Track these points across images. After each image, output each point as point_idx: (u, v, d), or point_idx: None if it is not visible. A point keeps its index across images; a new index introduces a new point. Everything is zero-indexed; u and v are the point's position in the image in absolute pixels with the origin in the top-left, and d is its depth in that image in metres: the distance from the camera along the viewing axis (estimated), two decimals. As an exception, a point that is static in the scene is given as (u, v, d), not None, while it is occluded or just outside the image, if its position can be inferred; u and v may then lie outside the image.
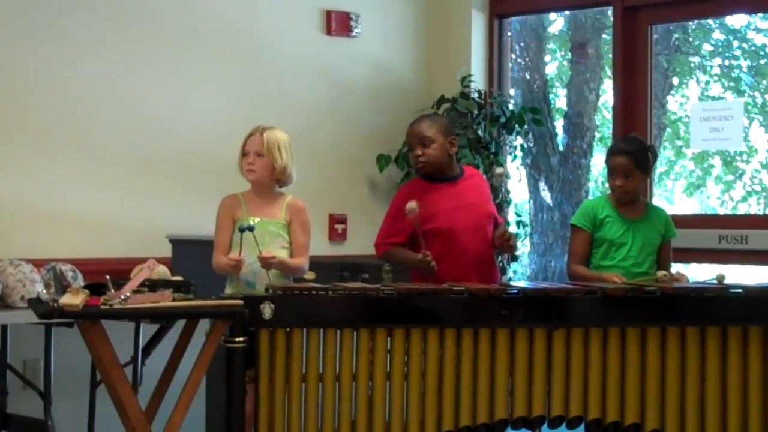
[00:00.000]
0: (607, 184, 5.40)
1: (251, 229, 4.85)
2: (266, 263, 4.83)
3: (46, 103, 6.07)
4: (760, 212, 7.45)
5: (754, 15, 7.22)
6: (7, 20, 5.92)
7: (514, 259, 7.22)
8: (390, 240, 5.23)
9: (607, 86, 8.07)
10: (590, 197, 7.39)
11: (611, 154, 5.33)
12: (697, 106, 7.46)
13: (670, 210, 7.34)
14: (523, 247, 7.73)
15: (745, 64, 7.57)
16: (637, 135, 5.61)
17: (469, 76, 7.35)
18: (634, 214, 5.34)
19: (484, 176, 5.88)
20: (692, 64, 7.91)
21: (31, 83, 6.01)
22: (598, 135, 8.41)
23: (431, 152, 5.18)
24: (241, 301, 4.31)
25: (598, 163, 8.16)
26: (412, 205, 4.98)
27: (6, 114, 5.94)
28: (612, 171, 5.29)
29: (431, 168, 5.21)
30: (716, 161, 7.77)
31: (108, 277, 4.16)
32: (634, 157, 5.29)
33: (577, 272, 5.24)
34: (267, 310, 4.33)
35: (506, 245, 5.23)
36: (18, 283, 5.31)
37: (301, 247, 5.04)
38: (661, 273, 5.02)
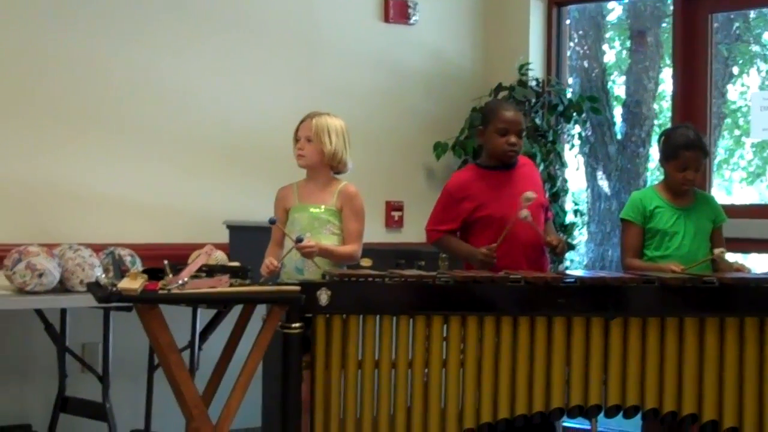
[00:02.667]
0: (665, 174, 5.34)
1: (272, 222, 4.86)
2: (305, 253, 4.82)
3: (107, 90, 6.11)
4: (821, 202, 7.38)
5: (815, 3, 7.14)
6: (70, 7, 5.98)
7: (571, 248, 7.19)
8: (443, 227, 5.22)
9: (666, 75, 8.02)
10: (648, 186, 7.35)
11: (683, 147, 5.22)
12: (757, 95, 7.38)
13: (729, 200, 7.31)
14: (581, 236, 7.70)
15: (805, 52, 7.50)
16: (691, 125, 5.56)
17: (527, 64, 7.32)
18: (683, 202, 5.29)
19: (538, 166, 5.86)
20: (753, 53, 7.83)
21: (90, 69, 6.05)
22: (656, 123, 8.35)
23: (521, 143, 5.19)
24: (298, 287, 4.32)
25: (656, 152, 8.10)
26: (525, 213, 4.97)
27: (67, 102, 5.99)
28: (685, 165, 5.19)
29: (515, 159, 5.21)
30: (776, 151, 7.70)
31: (166, 262, 4.18)
32: (705, 150, 5.28)
33: (633, 266, 5.18)
34: (324, 296, 4.34)
35: (553, 252, 5.21)
36: (77, 267, 5.35)
37: (352, 233, 5.00)
38: (718, 250, 4.99)
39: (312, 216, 4.97)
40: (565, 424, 6.57)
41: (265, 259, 4.88)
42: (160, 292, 4.11)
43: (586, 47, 8.52)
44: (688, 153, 5.20)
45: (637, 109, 8.39)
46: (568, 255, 7.06)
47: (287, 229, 4.93)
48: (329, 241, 4.92)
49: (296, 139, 5.03)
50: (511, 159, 5.20)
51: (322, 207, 4.98)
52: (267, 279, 4.73)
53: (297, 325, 4.30)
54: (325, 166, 5.02)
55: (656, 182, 5.53)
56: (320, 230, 4.96)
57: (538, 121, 7.13)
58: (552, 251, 5.20)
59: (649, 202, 5.29)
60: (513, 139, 5.14)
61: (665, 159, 5.30)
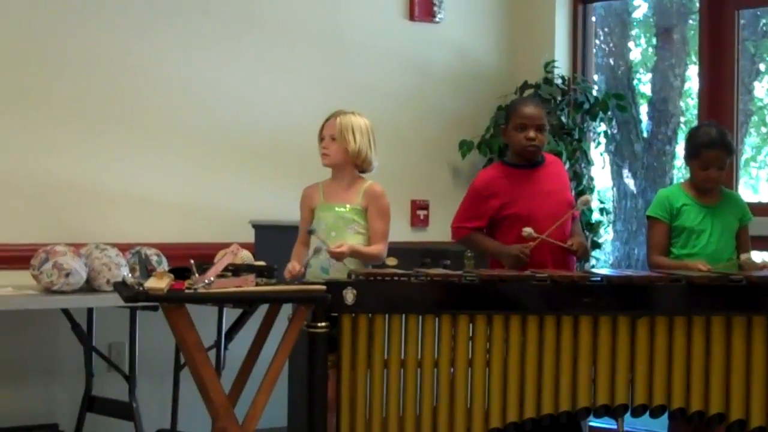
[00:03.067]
0: (690, 173, 5.32)
1: (311, 232, 4.87)
2: (337, 257, 4.82)
3: (133, 89, 6.13)
4: None
5: (843, -1, 7.09)
6: (92, 3, 6.00)
7: (597, 246, 7.17)
8: (470, 224, 5.22)
9: (692, 72, 7.97)
10: (674, 184, 7.32)
11: (707, 146, 5.20)
12: (784, 92, 7.35)
13: (755, 198, 7.26)
14: (606, 235, 7.68)
15: (833, 49, 7.45)
16: (716, 123, 5.53)
17: (553, 61, 7.31)
18: (710, 201, 5.27)
19: (564, 164, 5.84)
20: (780, 50, 7.79)
21: (117, 69, 6.07)
22: (682, 121, 8.31)
23: (542, 138, 5.18)
24: (323, 287, 4.33)
25: (682, 149, 8.06)
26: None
27: (93, 102, 6.01)
28: (708, 163, 5.19)
29: (538, 154, 5.21)
30: (803, 148, 7.66)
31: (192, 261, 4.19)
32: (729, 148, 5.26)
33: (660, 263, 5.17)
34: (349, 295, 4.35)
35: (574, 254, 5.21)
36: (104, 267, 5.37)
37: (378, 233, 4.98)
38: (744, 256, 4.97)
39: (337, 215, 4.96)
40: (592, 423, 6.56)
41: (289, 262, 4.88)
42: (187, 291, 4.12)
43: (611, 44, 8.49)
44: (711, 152, 5.19)
45: (663, 106, 8.35)
46: (594, 253, 7.04)
47: (313, 229, 4.93)
48: (354, 240, 4.91)
49: (321, 138, 5.02)
50: (532, 154, 5.19)
51: (348, 206, 4.97)
52: (291, 281, 4.73)
53: (323, 324, 4.30)
54: (350, 165, 5.01)
55: (683, 180, 5.51)
56: (345, 229, 4.95)
57: (563, 119, 7.11)
58: (572, 254, 5.19)
59: (676, 200, 5.28)
60: (531, 133, 5.14)
61: (689, 157, 5.29)
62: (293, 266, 4.81)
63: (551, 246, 5.10)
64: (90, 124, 5.99)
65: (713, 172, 5.20)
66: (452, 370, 4.42)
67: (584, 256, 5.40)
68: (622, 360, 4.48)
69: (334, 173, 5.06)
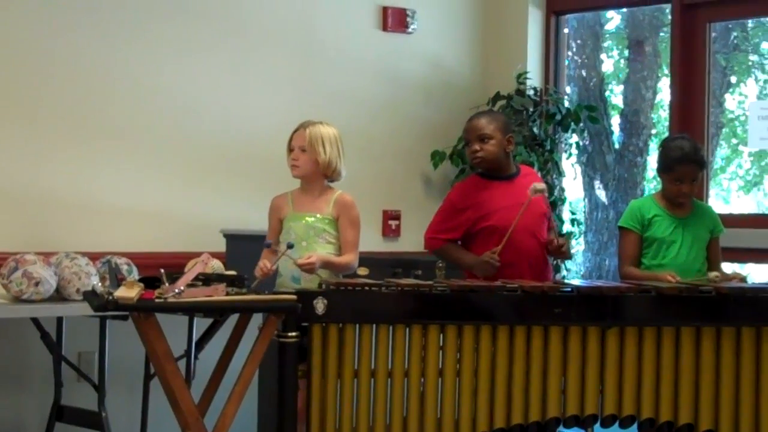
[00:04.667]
0: (662, 185, 5.34)
1: (267, 246, 4.90)
2: (307, 269, 4.81)
3: (103, 99, 6.11)
4: (818, 212, 7.37)
5: (813, 13, 7.14)
6: (60, 13, 5.97)
7: (568, 257, 7.18)
8: (444, 235, 5.22)
9: (664, 84, 8.00)
10: (646, 195, 7.35)
11: (681, 161, 5.20)
12: (755, 104, 7.38)
13: (726, 209, 7.29)
14: (578, 246, 7.70)
15: (805, 62, 7.49)
16: (688, 135, 5.55)
17: (525, 73, 7.33)
18: (682, 212, 5.30)
19: (539, 174, 5.84)
20: (751, 63, 7.83)
21: (87, 78, 6.05)
22: (654, 133, 8.34)
23: (489, 148, 5.16)
24: (294, 296, 4.32)
25: (653, 161, 8.09)
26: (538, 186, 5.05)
27: (63, 110, 5.99)
28: (681, 178, 5.20)
29: (487, 164, 5.19)
30: (774, 160, 7.70)
31: (162, 270, 4.18)
32: (702, 163, 5.28)
33: (630, 274, 5.19)
34: (320, 305, 4.34)
35: (560, 252, 5.22)
36: (74, 276, 5.35)
37: (349, 243, 5.00)
38: (713, 274, 4.99)
39: (307, 225, 4.97)
40: (562, 433, 6.56)
41: (260, 260, 4.88)
42: (157, 300, 4.11)
43: (584, 56, 8.51)
44: (683, 167, 5.21)
45: (634, 118, 8.38)
46: (566, 264, 7.05)
47: (284, 239, 4.93)
48: (325, 250, 4.92)
49: (290, 149, 5.03)
50: (478, 166, 5.22)
51: (318, 216, 4.98)
52: (260, 282, 4.72)
53: (293, 334, 4.30)
54: (320, 175, 5.02)
55: (654, 191, 5.53)
56: (316, 239, 4.96)
57: (535, 130, 7.13)
58: (557, 252, 5.19)
59: (647, 211, 5.30)
60: (475, 146, 5.18)
61: (662, 170, 5.31)
62: (264, 264, 4.82)
63: (530, 258, 5.11)
64: (60, 134, 5.97)
65: (686, 186, 5.22)
66: (422, 380, 4.42)
67: (569, 253, 5.39)
68: (592, 370, 4.49)
69: (303, 183, 5.06)
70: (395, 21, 7.27)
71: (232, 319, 4.74)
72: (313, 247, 4.90)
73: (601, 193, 8.28)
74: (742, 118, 7.59)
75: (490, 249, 5.02)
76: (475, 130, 5.18)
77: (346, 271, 4.94)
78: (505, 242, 4.97)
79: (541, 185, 5.07)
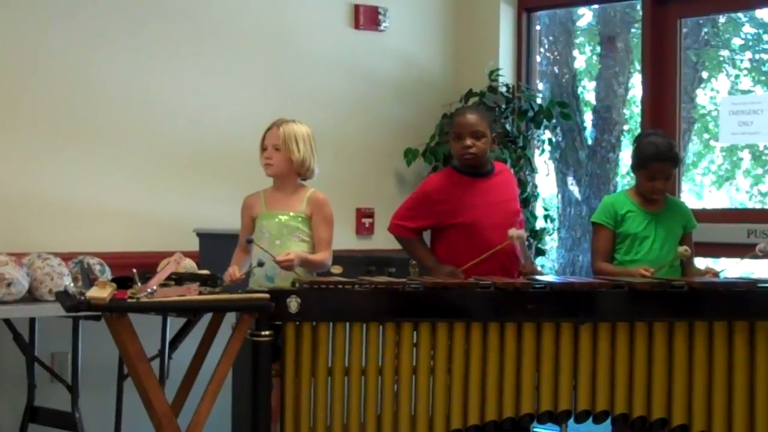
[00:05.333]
0: (636, 181, 5.36)
1: (249, 241, 4.88)
2: (286, 266, 4.81)
3: (76, 98, 6.08)
4: (790, 206, 7.42)
5: (784, 8, 7.18)
6: (32, 14, 5.93)
7: (542, 253, 7.20)
8: (405, 222, 5.21)
9: (636, 80, 8.04)
10: (620, 190, 7.39)
11: (655, 158, 5.21)
12: (726, 99, 7.42)
13: (699, 204, 7.33)
14: (551, 242, 7.72)
15: (775, 57, 7.53)
16: (662, 132, 5.57)
17: (498, 69, 7.34)
18: (655, 207, 5.32)
19: (512, 171, 5.84)
20: (722, 58, 7.87)
21: (58, 77, 6.02)
22: (626, 129, 8.38)
23: (481, 146, 5.14)
24: (267, 295, 4.32)
25: (626, 157, 8.13)
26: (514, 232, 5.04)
27: (36, 109, 5.95)
28: (655, 175, 5.22)
29: (476, 161, 5.18)
30: (745, 155, 7.73)
31: (134, 270, 4.16)
32: (676, 160, 5.31)
33: (603, 269, 5.21)
34: (293, 304, 4.33)
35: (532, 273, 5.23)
36: (46, 276, 5.33)
37: (323, 241, 4.98)
38: (681, 248, 5.02)
39: (281, 223, 4.95)
40: (536, 429, 6.57)
41: (230, 267, 4.87)
42: (129, 300, 4.10)
43: (556, 53, 8.54)
44: (657, 164, 5.22)
45: (607, 114, 8.42)
46: (539, 261, 7.07)
47: (258, 237, 4.92)
48: (298, 247, 4.90)
49: (263, 148, 5.02)
50: (470, 162, 5.18)
51: (291, 214, 4.97)
52: (230, 286, 4.71)
53: (267, 333, 4.30)
54: (293, 174, 5.01)
55: (628, 187, 5.54)
56: (289, 237, 4.95)
57: (508, 126, 7.14)
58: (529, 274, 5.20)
59: (620, 206, 5.31)
60: (467, 141, 5.13)
61: (636, 167, 5.32)
62: (233, 271, 4.80)
63: (501, 257, 5.11)
64: (30, 135, 5.92)
65: (660, 183, 5.24)
66: (396, 377, 4.42)
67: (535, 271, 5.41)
68: (566, 366, 4.50)
69: (276, 182, 5.05)
70: (367, 19, 7.26)
71: (206, 319, 4.74)
72: (287, 245, 4.89)
73: (574, 189, 8.31)
74: (714, 114, 7.64)
75: (460, 246, 5.04)
76: (470, 126, 5.15)
77: (321, 269, 4.93)
78: (477, 263, 4.98)
79: (521, 232, 5.05)
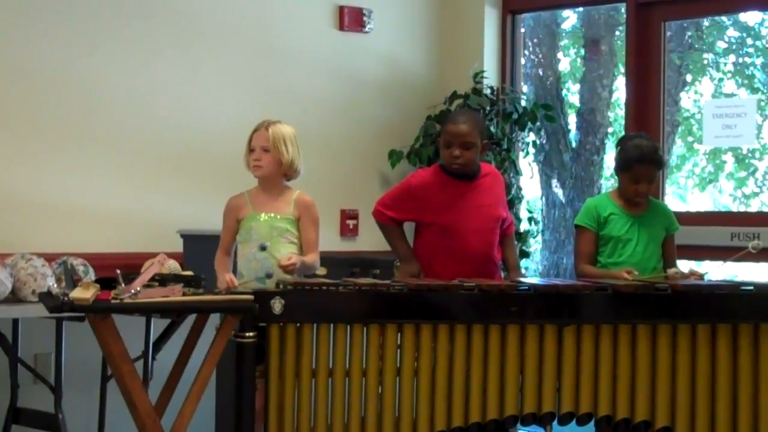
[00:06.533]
0: (619, 183, 5.37)
1: (264, 248, 4.86)
2: (289, 270, 4.80)
3: (59, 98, 6.06)
4: (773, 209, 7.44)
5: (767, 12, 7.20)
6: (15, 15, 5.91)
7: (526, 255, 7.21)
8: (390, 212, 5.26)
9: (620, 83, 8.05)
10: (603, 193, 7.41)
11: (639, 161, 5.22)
12: (710, 103, 7.45)
13: (683, 207, 7.35)
14: (535, 244, 7.72)
15: (759, 61, 7.55)
16: (647, 134, 5.58)
17: (482, 72, 7.34)
18: (637, 210, 5.32)
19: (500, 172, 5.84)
20: (705, 61, 7.89)
21: (40, 77, 6.00)
22: (610, 131, 8.39)
23: (470, 155, 5.15)
24: (251, 296, 4.31)
25: (610, 160, 8.15)
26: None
27: (17, 109, 5.94)
28: (639, 177, 5.23)
29: (466, 170, 5.18)
30: (728, 158, 7.76)
31: (118, 271, 4.16)
32: (660, 163, 5.31)
33: (586, 272, 5.22)
34: (277, 305, 4.33)
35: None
36: (29, 277, 5.31)
37: (311, 243, 4.99)
38: (672, 271, 5.02)
39: (270, 225, 4.95)
40: (519, 431, 6.58)
41: (225, 274, 4.85)
42: (113, 301, 4.10)
43: (540, 55, 8.56)
44: (641, 167, 5.23)
45: (591, 117, 8.43)
46: (523, 263, 7.07)
47: (245, 239, 4.92)
48: (287, 249, 4.90)
49: (250, 149, 5.00)
50: (455, 171, 5.19)
51: (279, 216, 4.97)
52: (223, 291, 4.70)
53: (251, 334, 4.29)
54: (280, 175, 5.00)
55: (611, 189, 5.56)
56: (279, 239, 4.94)
57: (492, 128, 7.15)
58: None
59: (603, 209, 5.32)
60: (456, 151, 5.14)
61: (619, 169, 5.32)
62: (230, 279, 4.79)
63: (477, 260, 5.13)
64: (13, 135, 5.91)
65: (643, 186, 5.25)
66: (380, 379, 4.42)
67: None
68: (549, 368, 4.50)
69: (262, 183, 5.04)
70: (352, 20, 7.26)
71: (190, 320, 4.73)
72: (277, 247, 4.89)
73: (558, 192, 8.33)
74: (698, 116, 7.66)
75: (438, 247, 5.11)
76: (460, 136, 5.15)
77: (311, 271, 4.94)
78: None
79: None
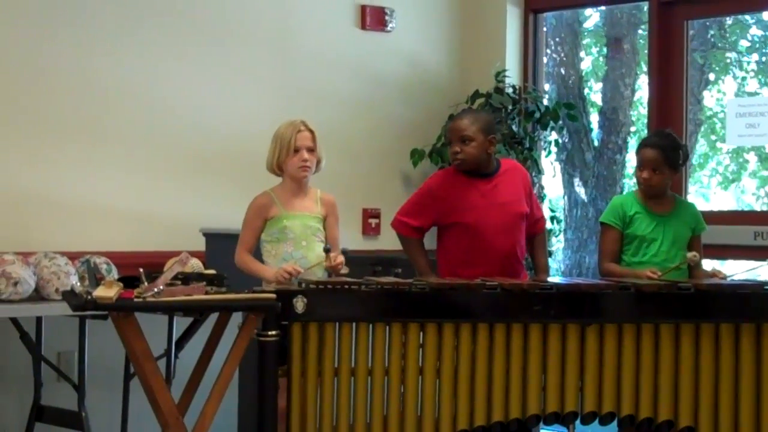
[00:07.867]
0: (634, 176, 5.37)
1: (327, 250, 4.83)
2: (338, 270, 4.82)
3: (82, 97, 6.08)
4: (796, 209, 7.42)
5: (791, 10, 7.18)
6: (38, 15, 5.93)
7: (548, 254, 7.19)
8: (408, 219, 5.22)
9: (643, 82, 8.04)
10: (628, 191, 7.40)
11: (642, 146, 5.29)
12: (733, 101, 7.43)
13: (706, 206, 7.32)
14: (558, 243, 7.71)
15: (782, 60, 7.54)
16: (672, 131, 5.54)
17: (504, 71, 7.33)
18: (663, 209, 5.31)
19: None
20: (728, 60, 7.86)
21: (66, 76, 6.02)
22: (633, 130, 8.38)
23: (470, 150, 5.13)
24: (273, 295, 4.31)
25: (633, 158, 8.13)
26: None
27: (43, 109, 5.96)
28: (640, 163, 5.26)
29: (467, 166, 5.17)
30: (751, 157, 7.73)
31: (141, 270, 4.16)
32: (665, 152, 5.24)
33: (610, 270, 5.20)
34: (300, 304, 4.33)
35: None
36: (53, 275, 5.33)
37: (337, 241, 5.04)
38: (690, 254, 5.01)
39: (304, 224, 4.96)
40: (542, 430, 6.58)
41: (261, 271, 4.89)
42: (136, 300, 4.10)
43: (562, 54, 8.54)
44: (643, 151, 5.25)
45: (613, 116, 8.41)
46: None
47: (279, 238, 4.93)
48: (319, 248, 4.91)
49: (295, 150, 4.96)
50: (458, 167, 5.19)
51: (310, 215, 4.99)
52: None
53: (273, 333, 4.28)
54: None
55: (635, 188, 5.55)
56: (313, 238, 4.96)
57: (514, 128, 7.14)
58: None
59: (629, 208, 5.31)
60: (456, 147, 5.15)
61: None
62: (294, 268, 4.78)
63: (502, 258, 5.11)
64: (38, 135, 5.93)
65: (647, 172, 5.23)
66: (402, 378, 4.41)
67: None
68: (572, 367, 4.49)
69: (289, 182, 5.03)
70: (374, 20, 7.27)
71: (212, 318, 4.74)
72: (312, 246, 4.92)
73: (580, 191, 8.31)
74: (721, 116, 7.63)
75: (461, 247, 5.09)
76: (457, 131, 5.16)
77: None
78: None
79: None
